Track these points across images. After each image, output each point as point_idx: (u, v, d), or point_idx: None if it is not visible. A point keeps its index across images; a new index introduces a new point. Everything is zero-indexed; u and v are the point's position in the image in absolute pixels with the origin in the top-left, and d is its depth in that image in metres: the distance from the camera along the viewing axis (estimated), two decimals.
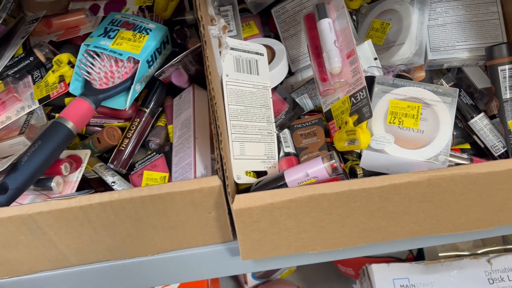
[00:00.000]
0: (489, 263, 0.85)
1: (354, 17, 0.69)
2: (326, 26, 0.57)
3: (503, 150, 0.58)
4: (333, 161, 0.51)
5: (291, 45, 0.67)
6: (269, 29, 0.71)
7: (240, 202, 0.46)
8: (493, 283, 0.83)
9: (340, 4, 0.57)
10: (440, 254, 0.92)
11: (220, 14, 0.62)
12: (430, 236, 0.57)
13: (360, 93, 0.53)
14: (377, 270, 0.86)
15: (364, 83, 0.52)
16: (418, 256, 0.95)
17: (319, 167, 0.51)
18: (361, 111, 0.53)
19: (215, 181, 0.47)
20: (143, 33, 0.57)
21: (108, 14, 0.67)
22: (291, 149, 0.59)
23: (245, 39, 0.68)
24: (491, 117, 0.61)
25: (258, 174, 0.57)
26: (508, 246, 0.92)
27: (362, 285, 0.90)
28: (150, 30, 0.57)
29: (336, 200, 0.47)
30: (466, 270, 0.84)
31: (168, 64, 0.54)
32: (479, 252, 0.92)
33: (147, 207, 0.48)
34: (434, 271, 0.85)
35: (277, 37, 0.69)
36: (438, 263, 0.86)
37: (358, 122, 0.53)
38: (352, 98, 0.54)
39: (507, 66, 0.56)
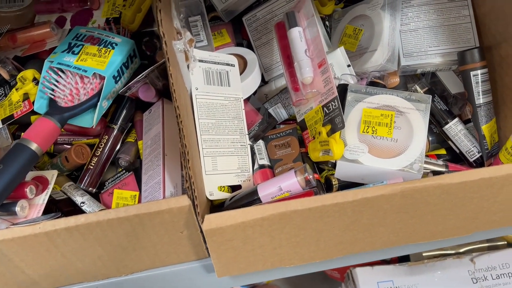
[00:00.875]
0: (473, 262, 0.85)
1: (327, 22, 0.68)
2: (297, 35, 0.56)
3: (478, 155, 0.58)
4: (306, 174, 0.50)
5: (264, 54, 0.66)
6: (241, 37, 0.70)
7: (211, 222, 0.45)
8: (476, 282, 0.83)
9: (310, 12, 0.56)
10: (424, 254, 0.92)
11: (189, 25, 0.60)
12: (409, 245, 0.56)
13: (332, 103, 0.52)
14: (361, 274, 0.86)
15: (336, 93, 0.51)
16: (403, 256, 0.95)
17: (292, 181, 0.50)
18: (333, 121, 0.52)
19: (184, 201, 0.45)
20: (108, 48, 0.55)
21: (75, 26, 0.65)
22: (265, 161, 0.58)
23: (217, 48, 0.67)
24: (466, 121, 0.61)
25: (233, 188, 0.56)
26: (492, 244, 0.93)
27: (348, 287, 0.90)
28: (116, 45, 0.55)
29: (309, 216, 0.46)
30: (449, 270, 0.84)
31: (134, 80, 0.52)
32: (462, 250, 0.92)
33: (116, 230, 0.47)
34: (418, 272, 0.85)
35: (249, 45, 0.67)
36: (422, 264, 0.86)
37: (331, 132, 0.52)
38: (325, 108, 0.53)
39: (479, 71, 0.56)
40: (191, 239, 0.51)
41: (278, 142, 0.60)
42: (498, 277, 0.84)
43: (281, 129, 0.61)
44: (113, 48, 0.55)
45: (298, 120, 0.58)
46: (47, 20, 0.67)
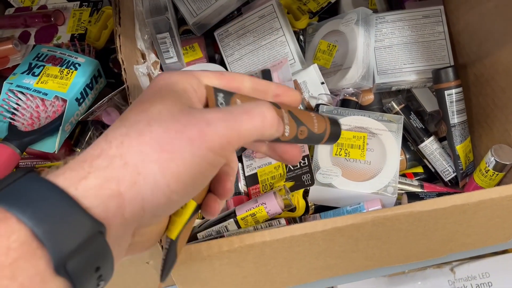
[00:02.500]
0: (452, 272, 0.85)
1: (301, 37, 0.66)
2: None
3: (453, 175, 0.57)
4: (286, 196, 0.49)
5: (236, 70, 0.64)
6: (214, 50, 0.68)
7: None
8: None
9: (287, 77, 0.55)
10: None
11: (158, 42, 0.58)
12: (384, 268, 0.55)
13: (302, 160, 0.51)
14: (343, 286, 0.85)
15: (307, 151, 0.50)
16: None
17: (272, 202, 0.49)
18: (300, 178, 0.51)
19: None
20: (71, 69, 0.53)
21: (40, 42, 0.63)
22: (241, 187, 0.56)
23: (188, 63, 0.65)
24: (443, 139, 0.60)
25: None
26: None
27: None
28: (79, 65, 0.53)
29: (278, 246, 0.45)
30: (430, 280, 0.84)
31: (96, 105, 0.50)
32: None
33: None
34: (398, 283, 0.84)
35: (222, 60, 0.66)
36: (402, 274, 0.85)
37: (295, 189, 0.52)
38: (289, 165, 0.52)
39: (453, 90, 0.55)
40: (159, 268, 0.49)
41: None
42: (478, 287, 0.84)
43: None
44: (76, 69, 0.53)
45: (246, 175, 0.57)
46: (10, 36, 0.65)
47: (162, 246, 0.43)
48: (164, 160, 0.23)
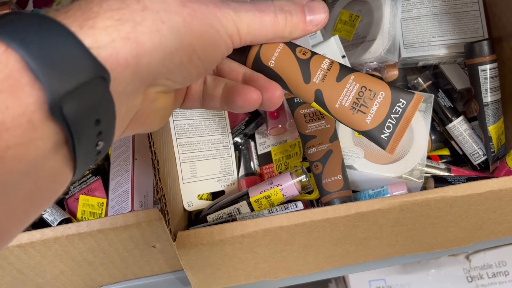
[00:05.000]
0: (468, 260, 0.82)
1: None
2: None
3: (483, 158, 0.53)
4: (304, 176, 0.45)
5: None
6: None
7: (184, 240, 0.39)
8: (471, 281, 0.80)
9: (306, 45, 0.50)
10: None
11: None
12: (405, 256, 0.52)
13: None
14: (354, 275, 0.82)
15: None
16: None
17: (288, 183, 0.45)
18: None
19: (154, 214, 0.40)
20: None
21: (39, 7, 0.58)
22: (254, 166, 0.52)
23: None
24: (472, 119, 0.55)
25: (215, 194, 0.51)
26: None
27: (338, 286, 0.86)
28: None
29: (296, 232, 0.41)
30: (444, 269, 0.81)
31: None
32: None
33: (77, 246, 0.41)
34: (411, 270, 0.82)
35: None
36: (415, 261, 0.82)
37: None
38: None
39: (488, 66, 0.50)
40: (165, 252, 0.46)
41: (308, 110, 0.47)
42: (494, 276, 0.81)
43: None
44: None
45: (259, 153, 0.53)
46: (7, 0, 0.60)
47: (168, 227, 0.39)
48: (188, 15, 0.21)
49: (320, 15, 0.26)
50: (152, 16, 0.20)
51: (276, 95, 0.26)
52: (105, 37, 0.18)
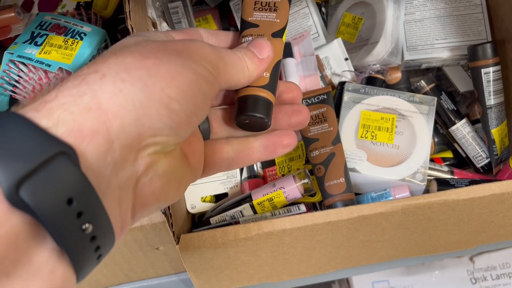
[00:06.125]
0: (472, 261, 0.82)
1: (323, 9, 0.62)
2: (292, 64, 0.50)
3: (486, 161, 0.53)
4: (307, 180, 0.45)
5: None
6: (229, 23, 0.64)
7: (187, 243, 0.40)
8: (475, 282, 0.80)
9: (308, 51, 0.51)
10: None
11: (169, 12, 0.54)
12: (408, 258, 0.52)
13: None
14: (358, 277, 0.82)
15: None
16: None
17: (291, 186, 0.45)
18: None
19: (158, 217, 0.40)
20: (76, 39, 0.49)
21: (44, 10, 0.59)
22: (257, 169, 0.52)
23: None
24: (475, 122, 0.55)
25: (218, 197, 0.51)
26: None
27: (341, 287, 0.86)
28: (85, 35, 0.49)
29: (299, 235, 0.41)
30: (447, 270, 0.81)
31: None
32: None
33: None
34: (414, 272, 0.81)
35: None
36: (419, 263, 0.82)
37: None
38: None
39: (491, 69, 0.50)
40: (169, 254, 0.46)
41: (310, 112, 0.47)
42: (498, 277, 0.81)
43: (311, 92, 0.49)
44: (82, 39, 0.49)
45: None
46: (12, 4, 0.61)
47: (172, 236, 0.40)
48: (152, 64, 0.20)
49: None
50: (112, 79, 0.19)
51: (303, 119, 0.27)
52: (62, 114, 0.17)
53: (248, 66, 0.25)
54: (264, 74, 0.27)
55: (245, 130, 0.27)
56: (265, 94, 0.26)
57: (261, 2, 0.29)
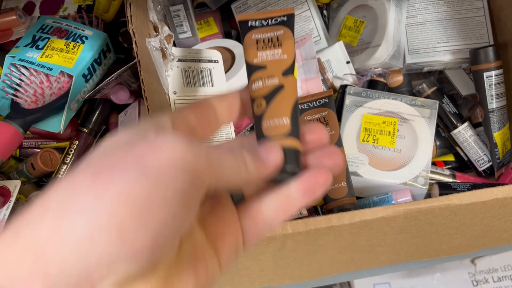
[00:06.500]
0: (473, 264, 0.81)
1: (325, 12, 0.61)
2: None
3: (488, 165, 0.53)
4: None
5: None
6: (230, 26, 0.64)
7: None
8: (477, 285, 0.80)
9: (310, 54, 0.50)
10: None
11: (171, 15, 0.54)
12: (409, 262, 0.52)
13: None
14: (359, 281, 0.82)
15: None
16: None
17: None
18: None
19: None
20: (77, 42, 0.49)
21: (45, 13, 0.59)
22: None
23: (203, 39, 0.60)
24: (477, 125, 0.55)
25: None
26: None
27: None
28: (86, 38, 0.49)
29: (301, 239, 0.41)
30: (449, 272, 0.81)
31: (104, 81, 0.46)
32: None
33: None
34: (416, 274, 0.81)
35: (239, 36, 0.61)
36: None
37: None
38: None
39: (493, 72, 0.50)
40: None
41: (312, 116, 0.48)
42: (499, 280, 0.81)
43: (313, 96, 0.49)
44: (83, 42, 0.49)
45: None
46: (14, 6, 0.61)
47: None
48: (102, 183, 0.17)
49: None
50: (54, 212, 0.17)
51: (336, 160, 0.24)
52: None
53: (247, 165, 0.22)
54: (284, 120, 0.24)
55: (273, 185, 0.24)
56: (290, 142, 0.24)
57: (263, 40, 0.26)
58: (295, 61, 0.26)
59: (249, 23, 0.28)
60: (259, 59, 0.26)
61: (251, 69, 0.26)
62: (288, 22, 0.27)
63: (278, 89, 0.25)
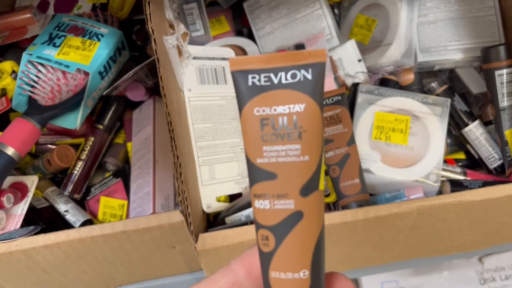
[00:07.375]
0: (481, 262, 0.82)
1: (336, 10, 0.62)
2: None
3: (499, 162, 0.53)
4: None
5: (267, 45, 0.60)
6: (241, 24, 0.64)
7: (205, 242, 0.40)
8: (484, 283, 0.80)
9: None
10: None
11: (184, 13, 0.55)
12: (419, 259, 0.52)
13: None
14: (367, 277, 0.82)
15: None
16: None
17: None
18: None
19: (176, 216, 0.41)
20: (93, 40, 0.49)
21: (59, 11, 0.59)
22: None
23: (215, 37, 0.61)
24: (487, 123, 0.56)
25: (232, 197, 0.51)
26: None
27: None
28: (102, 36, 0.50)
29: None
30: (456, 270, 0.81)
31: (121, 79, 0.47)
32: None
33: (101, 246, 0.42)
34: (423, 272, 0.82)
35: (251, 34, 0.62)
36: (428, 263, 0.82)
37: None
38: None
39: (504, 71, 0.50)
40: (185, 254, 0.47)
41: (325, 114, 0.47)
42: (507, 278, 0.81)
43: (326, 93, 0.49)
44: (99, 40, 0.49)
45: None
46: (28, 5, 0.61)
47: (190, 236, 0.40)
48: None
49: None
50: None
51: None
52: None
53: None
54: (302, 274, 0.20)
55: None
56: None
57: (274, 127, 0.18)
58: (321, 172, 0.21)
59: None
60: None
61: (254, 174, 0.20)
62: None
63: None
